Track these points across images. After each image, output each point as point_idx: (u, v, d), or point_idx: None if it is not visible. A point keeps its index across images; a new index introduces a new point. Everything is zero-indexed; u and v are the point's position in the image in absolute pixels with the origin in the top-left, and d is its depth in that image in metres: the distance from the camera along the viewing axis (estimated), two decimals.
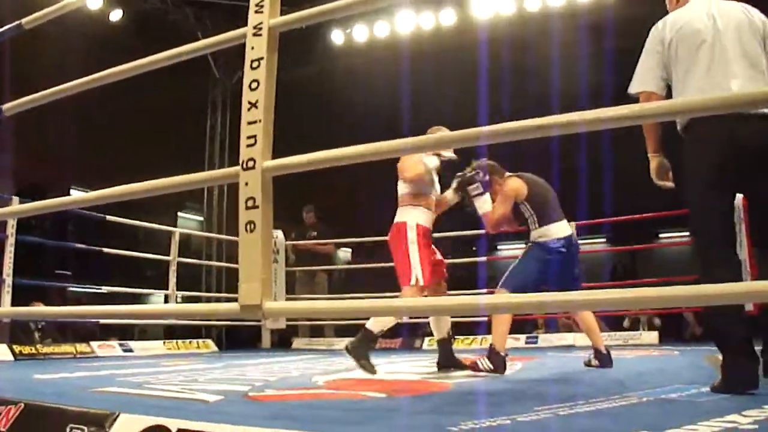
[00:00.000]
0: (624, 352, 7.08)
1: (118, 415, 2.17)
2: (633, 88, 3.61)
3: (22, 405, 2.45)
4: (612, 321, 10.83)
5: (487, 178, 5.13)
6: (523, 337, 9.51)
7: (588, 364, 5.36)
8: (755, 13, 3.43)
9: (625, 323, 10.89)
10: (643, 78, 3.56)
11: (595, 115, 1.69)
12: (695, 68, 3.33)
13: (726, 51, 3.29)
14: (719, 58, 3.29)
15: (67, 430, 2.21)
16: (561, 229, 5.20)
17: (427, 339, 9.71)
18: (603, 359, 5.25)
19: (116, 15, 14.10)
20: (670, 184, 3.62)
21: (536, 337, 9.40)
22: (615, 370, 5.08)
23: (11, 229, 7.70)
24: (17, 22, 3.54)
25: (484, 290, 10.76)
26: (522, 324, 11.69)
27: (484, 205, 5.08)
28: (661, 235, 19.77)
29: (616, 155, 13.71)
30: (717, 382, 3.20)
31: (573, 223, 6.19)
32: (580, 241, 9.48)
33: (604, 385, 3.81)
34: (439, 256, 5.23)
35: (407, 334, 10.44)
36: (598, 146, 13.25)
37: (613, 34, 12.96)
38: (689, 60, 3.36)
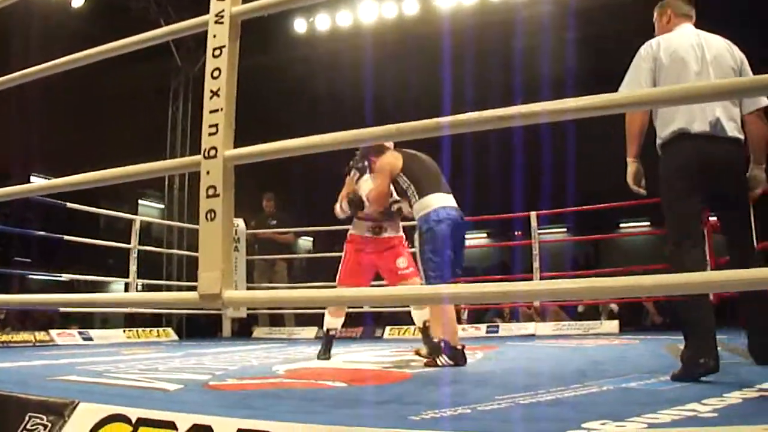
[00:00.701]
0: (584, 341, 7.15)
1: (77, 404, 2.16)
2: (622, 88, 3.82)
3: None
4: (572, 310, 10.92)
5: (365, 162, 5.33)
6: (483, 326, 9.57)
7: (417, 352, 5.09)
8: (735, 50, 3.81)
9: (580, 308, 10.98)
10: (635, 88, 3.71)
11: (558, 105, 1.70)
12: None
13: (711, 77, 3.64)
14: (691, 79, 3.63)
15: (26, 418, 2.19)
16: (444, 199, 4.95)
17: (388, 328, 9.73)
18: (455, 356, 4.76)
19: (78, 2, 13.93)
20: (643, 190, 3.90)
21: (497, 327, 9.44)
22: (575, 359, 5.11)
23: None
24: None
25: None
26: (484, 313, 11.77)
27: (364, 185, 5.29)
28: (621, 225, 20.00)
29: (578, 146, 13.83)
30: (677, 370, 3.29)
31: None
32: (541, 231, 9.62)
33: (566, 375, 3.83)
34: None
35: (369, 323, 10.45)
36: (561, 136, 13.33)
37: (575, 22, 13.04)
38: (678, 82, 3.59)
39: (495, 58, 14.93)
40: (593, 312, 10.76)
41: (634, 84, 3.76)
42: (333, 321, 5.79)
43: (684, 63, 3.68)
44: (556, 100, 1.72)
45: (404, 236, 5.53)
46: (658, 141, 3.77)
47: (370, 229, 5.40)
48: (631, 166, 3.88)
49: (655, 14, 4.09)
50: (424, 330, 5.24)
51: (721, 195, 3.71)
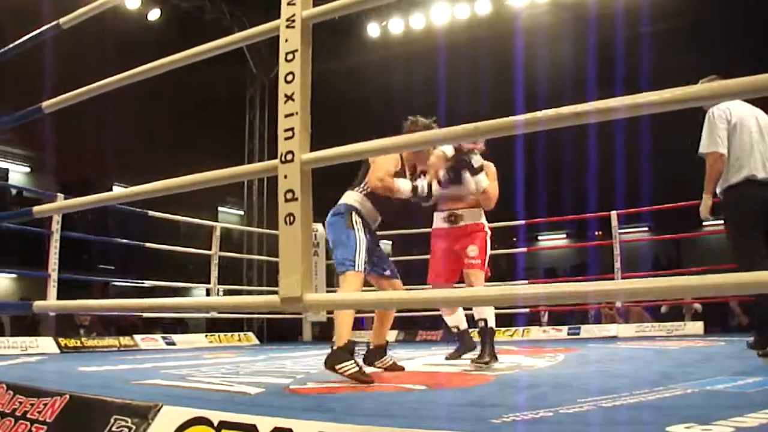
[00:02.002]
0: (668, 343, 7.02)
1: (160, 407, 2.19)
2: (706, 149, 5.04)
3: (68, 397, 2.48)
4: (655, 311, 10.73)
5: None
6: (565, 328, 9.47)
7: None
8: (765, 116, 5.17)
9: (663, 309, 10.78)
10: (715, 142, 4.97)
11: (633, 100, 1.66)
12: (749, 147, 4.96)
13: (764, 139, 5.03)
14: (761, 143, 5.00)
15: (111, 420, 2.23)
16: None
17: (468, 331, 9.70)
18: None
19: (154, 14, 14.23)
20: (711, 219, 5.24)
21: (579, 328, 9.33)
22: (659, 361, 5.02)
23: (56, 224, 7.81)
24: (55, 22, 3.57)
25: (525, 281, 10.73)
26: (569, 315, 11.67)
27: (484, 180, 5.05)
28: (705, 223, 19.61)
29: (657, 141, 13.61)
30: None
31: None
32: (621, 231, 9.47)
33: (648, 377, 3.76)
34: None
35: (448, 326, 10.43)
36: (637, 133, 13.14)
37: (650, 16, 12.85)
38: (745, 141, 4.97)
39: (568, 55, 14.79)
40: (677, 313, 10.56)
41: (714, 137, 4.98)
42: (453, 318, 5.67)
43: (748, 127, 5.00)
44: (630, 95, 1.68)
45: (486, 224, 5.34)
46: (725, 185, 5.01)
47: (446, 219, 5.31)
48: (708, 201, 5.15)
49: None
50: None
51: None
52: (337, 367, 4.00)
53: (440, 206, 5.37)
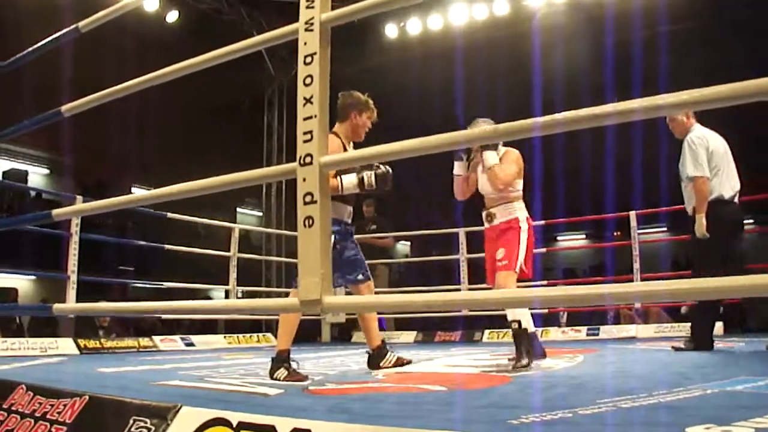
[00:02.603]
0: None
1: (180, 408, 2.20)
2: (693, 173, 5.82)
3: (87, 397, 2.50)
4: (674, 312, 10.67)
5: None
6: (584, 329, 9.43)
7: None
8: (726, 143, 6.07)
9: (683, 310, 10.71)
10: (701, 168, 5.80)
11: (652, 102, 1.65)
12: (725, 170, 5.90)
13: (729, 164, 5.97)
14: (727, 167, 5.94)
15: (130, 421, 2.24)
16: None
17: (486, 331, 9.69)
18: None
19: (172, 16, 14.28)
20: (707, 235, 5.76)
21: (597, 329, 9.30)
22: (678, 362, 5.00)
23: (75, 227, 7.86)
24: (74, 26, 3.59)
25: (544, 282, 10.70)
26: (589, 315, 11.64)
27: (492, 157, 4.96)
28: None
29: (673, 142, 13.53)
30: None
31: None
32: (639, 231, 9.44)
33: (667, 378, 3.75)
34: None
35: (466, 327, 10.42)
36: (653, 135, 13.08)
37: (668, 16, 12.79)
38: (721, 165, 5.89)
39: (585, 56, 14.74)
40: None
41: (698, 163, 5.81)
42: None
43: (719, 154, 5.89)
44: (648, 96, 1.67)
45: (521, 217, 5.02)
46: (710, 198, 5.80)
47: (485, 218, 5.15)
48: (703, 220, 5.76)
49: (676, 115, 6.06)
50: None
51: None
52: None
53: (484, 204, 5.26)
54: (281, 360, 4.42)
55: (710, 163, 5.83)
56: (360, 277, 4.97)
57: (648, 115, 1.70)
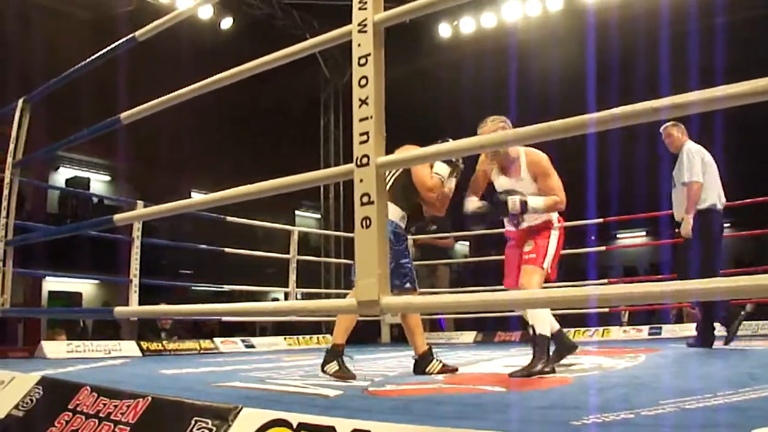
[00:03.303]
0: (753, 343, 6.86)
1: (240, 409, 2.22)
2: (689, 178, 6.42)
3: (149, 399, 2.54)
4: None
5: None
6: (646, 328, 9.32)
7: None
8: None
9: (748, 308, 10.49)
10: (697, 174, 6.42)
11: (710, 94, 1.62)
12: (715, 182, 6.56)
13: (717, 178, 6.57)
14: (718, 181, 6.57)
15: (192, 422, 2.27)
16: None
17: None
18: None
19: (226, 23, 14.42)
20: (690, 235, 6.44)
21: (660, 328, 9.18)
22: (744, 362, 4.91)
23: (137, 231, 7.98)
24: (131, 35, 3.66)
25: (603, 280, 10.59)
26: (651, 314, 11.50)
27: (535, 201, 4.66)
28: None
29: (734, 136, 13.28)
30: None
31: None
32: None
33: (733, 378, 3.68)
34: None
35: (524, 327, 10.37)
36: (709, 128, 12.88)
37: (724, 7, 12.58)
38: (713, 177, 6.55)
39: (641, 49, 14.54)
40: (764, 311, 10.28)
41: (695, 170, 6.41)
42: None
43: (712, 167, 6.57)
44: (705, 89, 1.64)
45: (555, 221, 4.83)
46: (704, 206, 6.43)
47: (511, 221, 4.90)
48: (690, 220, 6.42)
49: (673, 129, 6.74)
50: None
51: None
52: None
53: None
54: (335, 354, 4.53)
55: (704, 174, 6.45)
56: (408, 285, 4.95)
57: (707, 107, 1.67)
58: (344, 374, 4.40)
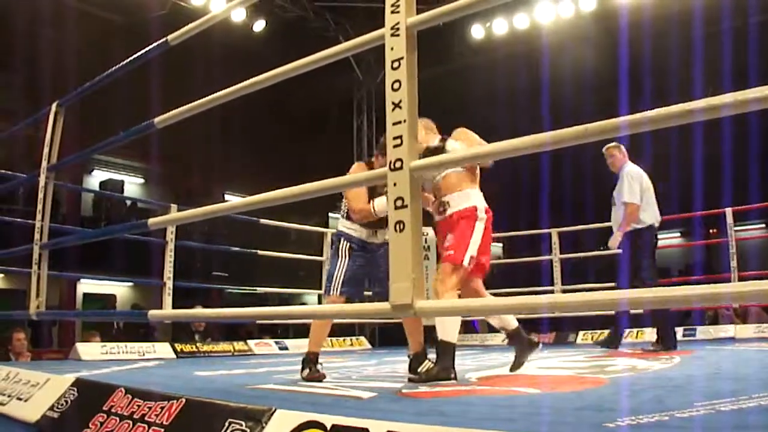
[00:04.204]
0: None
1: (274, 411, 2.23)
2: (629, 200, 6.94)
3: (184, 400, 2.56)
4: None
5: None
6: (680, 329, 9.24)
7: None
8: None
9: None
10: (636, 196, 6.95)
11: (743, 96, 1.60)
12: (652, 204, 7.08)
13: (652, 199, 7.11)
14: (654, 201, 7.11)
15: (226, 424, 2.29)
16: None
17: (581, 333, 9.58)
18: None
19: (259, 26, 14.48)
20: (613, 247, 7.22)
21: (694, 330, 9.10)
22: None
23: (170, 234, 8.03)
24: (163, 39, 3.69)
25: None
26: (686, 315, 11.42)
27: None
28: None
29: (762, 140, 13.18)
30: None
31: None
32: (740, 228, 9.18)
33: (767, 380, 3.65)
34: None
35: (555, 329, 10.32)
36: (744, 132, 12.78)
37: (758, 6, 12.46)
38: (650, 200, 7.07)
39: (675, 50, 14.44)
40: None
41: (634, 192, 6.93)
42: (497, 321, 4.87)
43: (649, 190, 7.09)
44: (738, 91, 1.62)
45: (477, 205, 4.50)
46: (635, 227, 6.99)
47: (437, 209, 4.67)
48: (619, 236, 7.08)
49: (615, 150, 7.23)
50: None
51: None
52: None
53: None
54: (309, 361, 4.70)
55: (642, 197, 6.99)
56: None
57: (738, 110, 1.65)
58: (314, 375, 4.57)
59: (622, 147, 7.26)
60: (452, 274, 4.37)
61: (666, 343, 6.89)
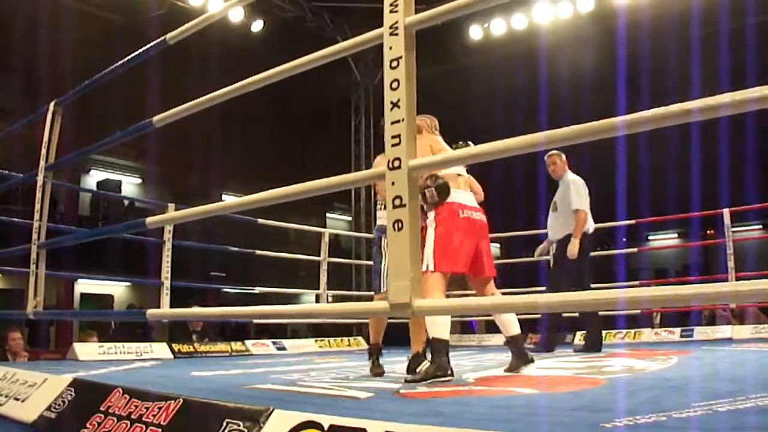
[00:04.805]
0: None
1: (272, 411, 2.23)
2: (580, 206, 7.15)
3: (181, 400, 2.56)
4: None
5: None
6: (678, 330, 9.24)
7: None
8: None
9: None
10: (585, 203, 7.22)
11: (740, 96, 1.61)
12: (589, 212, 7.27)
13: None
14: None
15: (223, 424, 2.28)
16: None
17: (578, 334, 9.59)
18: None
19: (257, 26, 14.49)
20: (575, 255, 7.12)
21: (692, 330, 9.10)
22: None
23: (168, 234, 8.02)
24: (162, 38, 3.69)
25: (626, 283, 10.54)
26: (684, 315, 11.44)
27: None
28: None
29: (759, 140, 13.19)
30: None
31: None
32: (738, 228, 9.19)
33: (765, 380, 3.65)
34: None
35: (558, 329, 10.32)
36: (742, 133, 12.79)
37: (753, 10, 12.47)
38: (588, 205, 7.24)
39: (671, 50, 14.45)
40: None
41: (583, 199, 7.21)
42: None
43: (588, 195, 7.28)
44: (738, 90, 1.62)
45: (436, 214, 4.57)
46: (591, 230, 7.32)
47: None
48: (577, 243, 7.08)
49: (557, 158, 7.44)
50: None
51: None
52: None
53: None
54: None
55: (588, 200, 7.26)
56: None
57: (736, 110, 1.65)
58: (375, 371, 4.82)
59: (563, 155, 7.47)
60: (426, 281, 4.35)
61: (594, 346, 7.17)
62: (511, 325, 4.70)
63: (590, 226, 7.34)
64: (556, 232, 7.49)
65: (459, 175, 4.82)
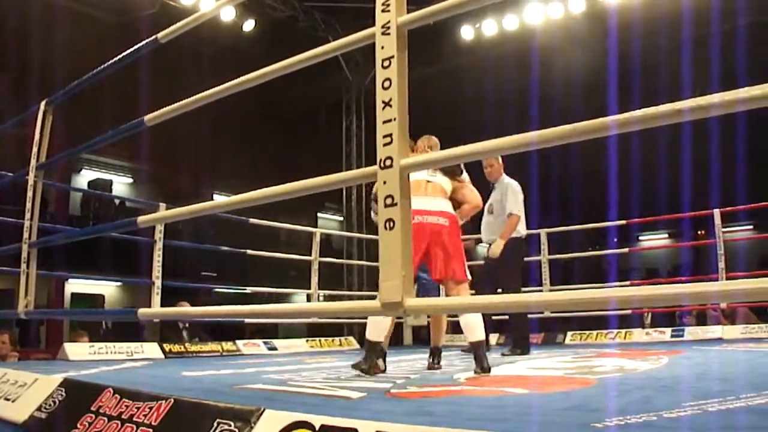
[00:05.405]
0: None
1: (263, 411, 2.23)
2: (515, 210, 7.22)
3: (172, 400, 2.55)
4: (765, 312, 10.40)
5: None
6: (668, 330, 9.26)
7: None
8: None
9: None
10: (520, 207, 7.30)
11: (733, 96, 1.61)
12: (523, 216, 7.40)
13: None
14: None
15: (214, 424, 2.28)
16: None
17: (569, 333, 9.60)
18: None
19: (249, 25, 14.49)
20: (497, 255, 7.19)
21: (682, 330, 9.12)
22: (767, 364, 4.87)
23: (159, 233, 8.01)
24: (153, 37, 3.68)
25: (617, 283, 10.55)
26: (673, 316, 11.47)
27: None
28: None
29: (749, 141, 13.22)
30: None
31: None
32: (727, 229, 9.23)
33: (756, 380, 3.66)
34: None
35: (545, 329, 10.33)
36: (732, 133, 12.83)
37: (747, 7, 12.50)
38: (523, 209, 7.36)
39: (663, 51, 14.48)
40: None
41: (518, 203, 7.27)
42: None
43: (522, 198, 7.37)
44: (727, 91, 1.63)
45: None
46: (519, 234, 7.35)
47: None
48: (502, 244, 7.16)
49: (494, 160, 7.37)
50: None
51: None
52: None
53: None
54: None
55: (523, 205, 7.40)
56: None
57: (727, 110, 1.65)
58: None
59: (500, 158, 7.42)
60: None
61: (522, 347, 7.30)
62: (475, 330, 4.92)
63: (522, 230, 7.45)
64: (487, 234, 7.56)
65: (428, 181, 5.20)
